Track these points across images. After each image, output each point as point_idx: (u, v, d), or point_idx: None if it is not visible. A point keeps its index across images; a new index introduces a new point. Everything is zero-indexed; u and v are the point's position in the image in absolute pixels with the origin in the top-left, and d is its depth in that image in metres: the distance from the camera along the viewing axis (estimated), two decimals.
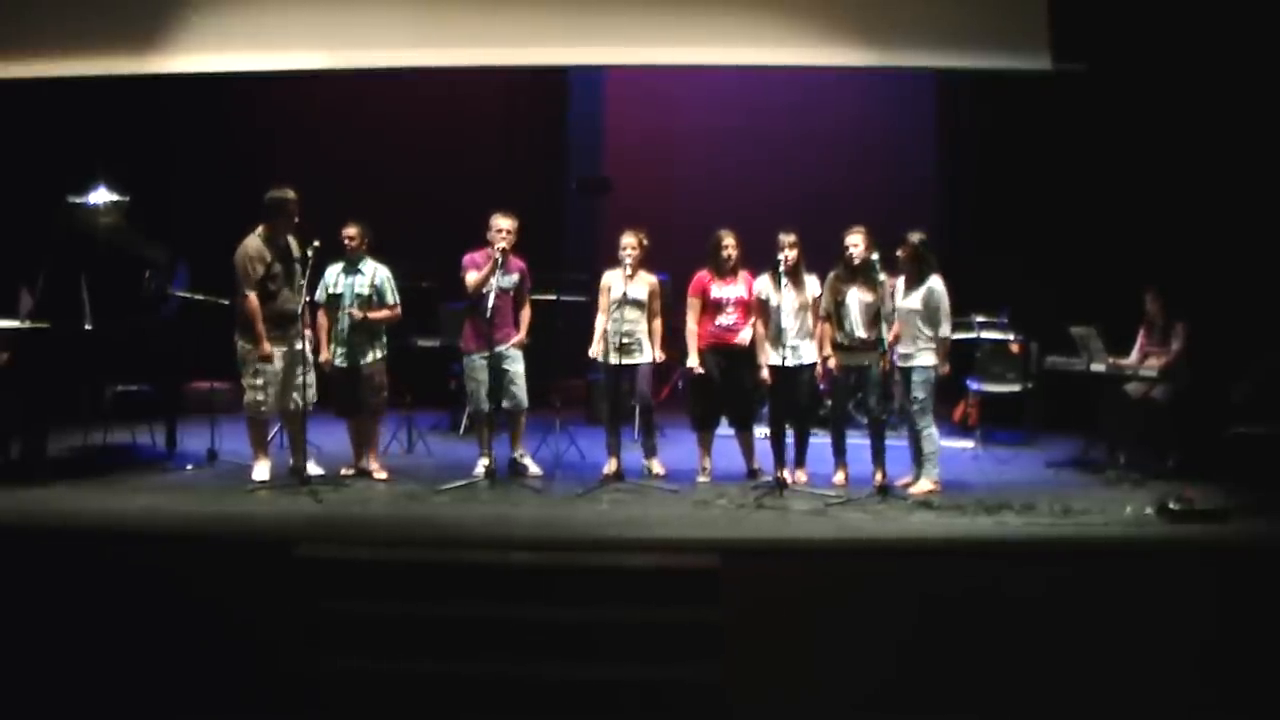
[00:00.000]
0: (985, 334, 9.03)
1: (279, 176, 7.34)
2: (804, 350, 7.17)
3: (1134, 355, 7.97)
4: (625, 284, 7.20)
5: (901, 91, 10.84)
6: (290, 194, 7.08)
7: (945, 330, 6.92)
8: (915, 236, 7.02)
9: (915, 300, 6.94)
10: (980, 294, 8.81)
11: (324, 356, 7.31)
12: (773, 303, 7.11)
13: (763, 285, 7.19)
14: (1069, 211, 9.44)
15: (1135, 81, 8.82)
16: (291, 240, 7.11)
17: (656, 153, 11.23)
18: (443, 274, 8.39)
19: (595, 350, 7.37)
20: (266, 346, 6.96)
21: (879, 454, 6.99)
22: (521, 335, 7.37)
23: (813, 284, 7.20)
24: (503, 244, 7.13)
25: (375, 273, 7.31)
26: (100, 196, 7.61)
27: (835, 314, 7.13)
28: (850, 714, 5.32)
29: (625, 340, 7.23)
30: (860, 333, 7.04)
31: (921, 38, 8.30)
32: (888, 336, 6.90)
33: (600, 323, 7.36)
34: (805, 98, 10.80)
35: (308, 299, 7.01)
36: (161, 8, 8.50)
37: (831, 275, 7.15)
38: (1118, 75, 8.69)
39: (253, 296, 6.96)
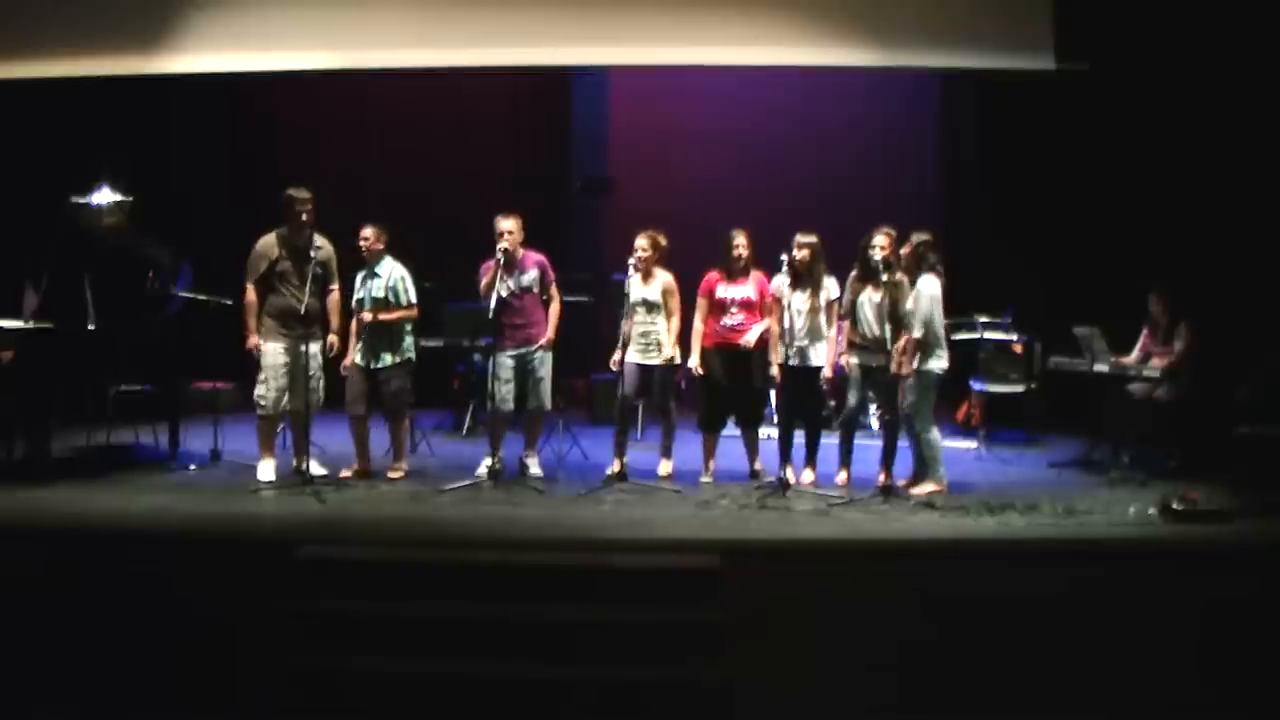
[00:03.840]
0: (988, 334, 9.02)
1: (283, 177, 7.36)
2: (811, 352, 7.16)
3: (1135, 354, 7.96)
4: (638, 285, 7.20)
5: (905, 92, 10.83)
6: (301, 193, 7.10)
7: (916, 332, 6.83)
8: (918, 237, 7.01)
9: (911, 300, 6.92)
10: (984, 294, 8.80)
11: (346, 361, 7.32)
12: (784, 302, 7.11)
13: (779, 284, 7.18)
14: (1072, 211, 9.44)
15: (1139, 81, 8.80)
16: (318, 239, 7.12)
17: (660, 153, 11.22)
18: (447, 274, 8.40)
19: (616, 357, 7.34)
20: (253, 340, 7.02)
21: (889, 454, 6.92)
22: (550, 334, 7.36)
23: (832, 286, 7.18)
24: (503, 245, 7.12)
25: (391, 274, 7.31)
26: (104, 196, 7.62)
27: (851, 314, 7.12)
28: (852, 715, 5.32)
29: (643, 341, 7.23)
30: (873, 333, 7.01)
31: (926, 38, 8.31)
32: (899, 339, 6.88)
33: (624, 328, 7.32)
34: (809, 98, 10.79)
35: (308, 296, 7.00)
36: (166, 8, 8.52)
37: (851, 275, 7.13)
38: (1122, 75, 8.68)
39: (250, 290, 7.02)
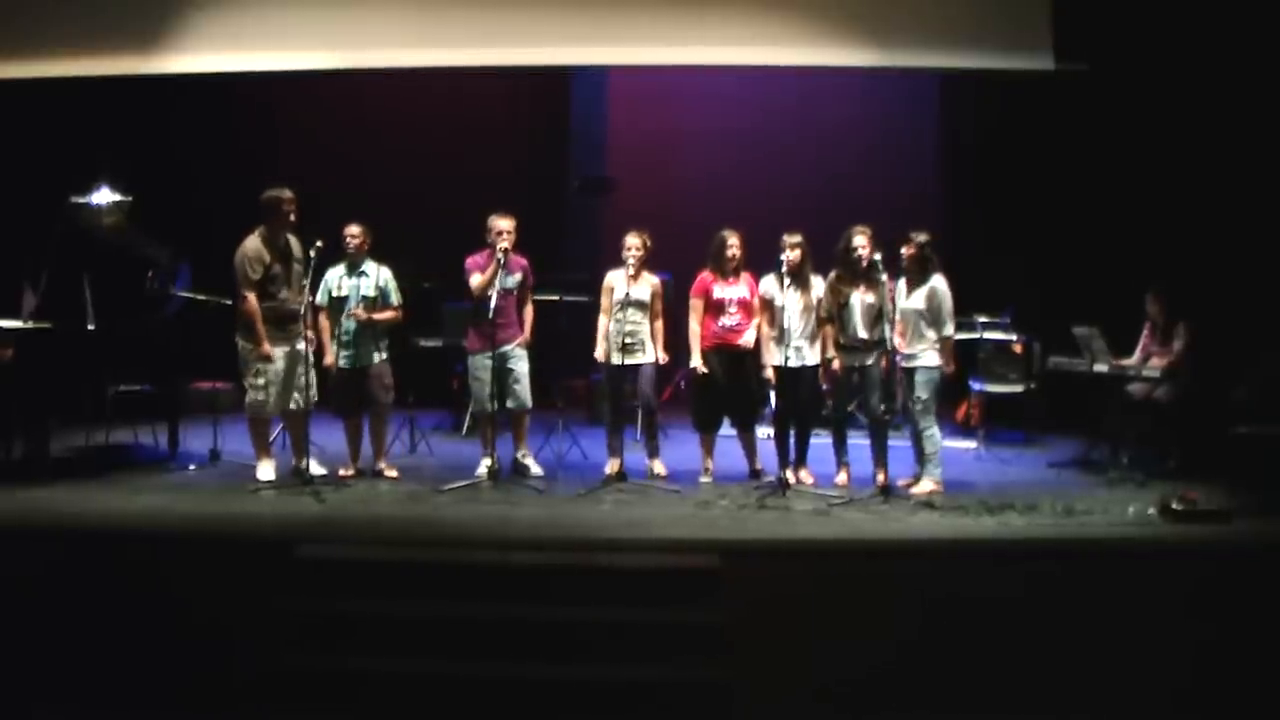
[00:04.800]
0: (988, 334, 9.02)
1: (281, 176, 7.35)
2: (808, 351, 7.17)
3: (1136, 355, 7.97)
4: (628, 285, 7.19)
5: (905, 92, 10.82)
6: (285, 193, 7.07)
7: (949, 330, 6.92)
8: (920, 237, 7.02)
9: (918, 300, 6.93)
10: (983, 294, 8.80)
11: (327, 360, 7.31)
12: (777, 303, 7.12)
13: (768, 285, 7.20)
14: (1071, 212, 9.44)
15: (1138, 82, 8.81)
16: (291, 239, 7.12)
17: (659, 153, 11.22)
18: (445, 273, 8.40)
19: (600, 352, 7.36)
20: (267, 347, 6.96)
21: (881, 454, 6.97)
22: (526, 335, 7.38)
23: (819, 285, 7.20)
24: (504, 244, 7.13)
25: (379, 274, 7.32)
26: (103, 196, 7.62)
27: (838, 315, 7.12)
28: (851, 714, 5.31)
29: (628, 341, 7.21)
30: (862, 334, 7.03)
31: (925, 38, 8.31)
32: (891, 336, 6.89)
33: (602, 324, 7.35)
34: (809, 98, 10.78)
35: (310, 299, 7.02)
36: (166, 8, 8.52)
37: (832, 276, 7.14)
38: (1120, 75, 8.69)
39: (252, 297, 6.96)
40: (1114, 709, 5.32)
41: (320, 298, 7.29)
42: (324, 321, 7.32)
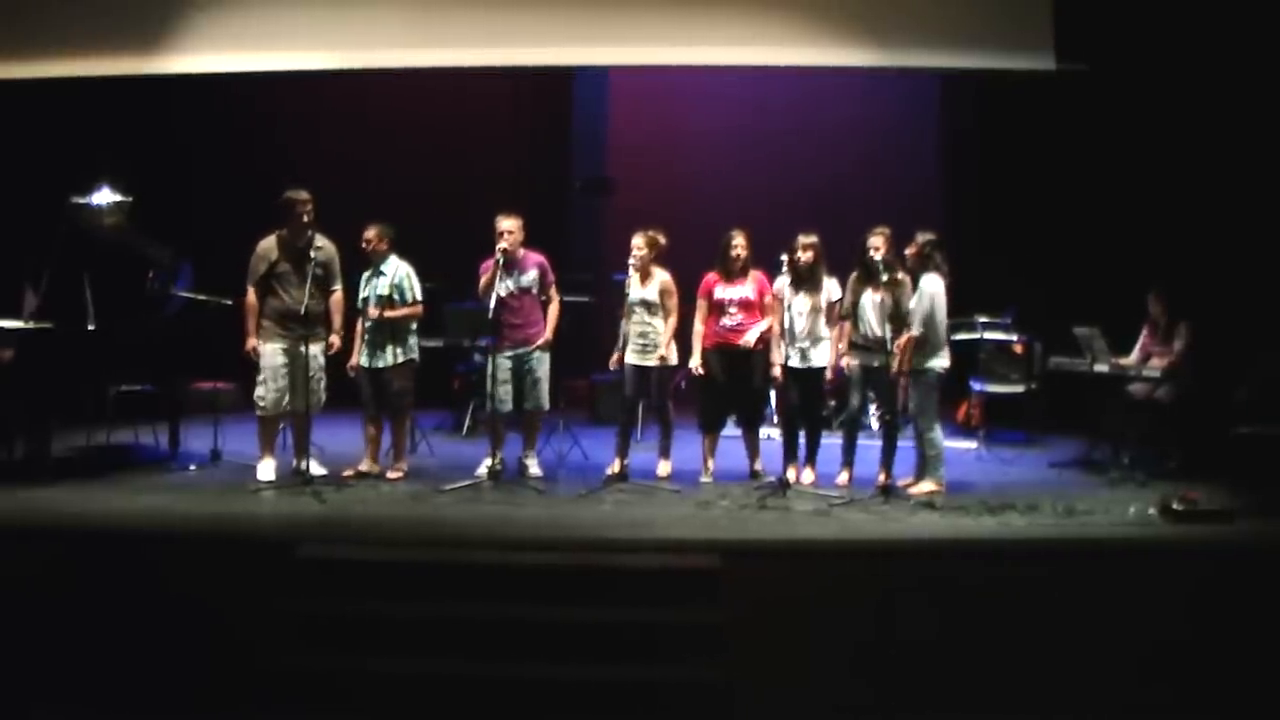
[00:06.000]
0: (989, 334, 9.02)
1: (283, 177, 7.36)
2: (814, 353, 7.16)
3: (1135, 355, 7.96)
4: (635, 286, 7.19)
5: (905, 91, 10.83)
6: (301, 194, 7.11)
7: (914, 330, 6.85)
8: (922, 237, 7.01)
9: (914, 299, 6.93)
10: (984, 294, 8.80)
11: (351, 363, 7.33)
12: (786, 303, 7.11)
13: (781, 284, 7.19)
14: (1072, 212, 9.44)
15: (1139, 82, 8.81)
16: (321, 240, 7.13)
17: (660, 153, 11.22)
18: (447, 274, 8.40)
19: (615, 357, 7.35)
20: (251, 341, 7.06)
21: (888, 455, 6.93)
22: (548, 335, 7.36)
23: (833, 287, 7.18)
24: (502, 245, 7.12)
25: (395, 271, 7.33)
26: (104, 197, 7.62)
27: (852, 314, 7.12)
28: (851, 714, 5.32)
29: (640, 341, 7.23)
30: (875, 333, 7.01)
31: (926, 38, 8.30)
32: (890, 337, 6.86)
33: (623, 327, 7.34)
34: (809, 98, 10.79)
35: (309, 301, 7.00)
36: (166, 8, 8.52)
37: (853, 276, 7.14)
38: (1121, 76, 8.68)
39: (249, 293, 7.06)
40: (1115, 709, 5.32)
41: (359, 300, 7.34)
42: (359, 325, 7.34)
